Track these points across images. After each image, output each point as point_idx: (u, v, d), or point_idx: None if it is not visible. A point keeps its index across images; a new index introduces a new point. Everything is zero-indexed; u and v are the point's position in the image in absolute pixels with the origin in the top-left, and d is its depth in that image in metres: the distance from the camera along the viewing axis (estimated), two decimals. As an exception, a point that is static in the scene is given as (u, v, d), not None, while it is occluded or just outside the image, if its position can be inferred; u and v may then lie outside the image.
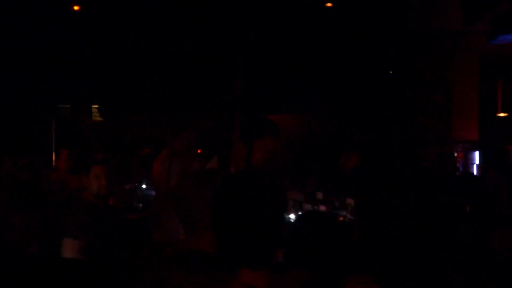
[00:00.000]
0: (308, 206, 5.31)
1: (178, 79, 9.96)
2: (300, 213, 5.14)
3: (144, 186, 6.61)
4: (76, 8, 7.17)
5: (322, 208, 5.29)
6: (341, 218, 4.83)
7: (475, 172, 7.49)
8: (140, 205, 6.15)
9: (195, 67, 9.70)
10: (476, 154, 7.71)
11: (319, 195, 5.62)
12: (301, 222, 2.18)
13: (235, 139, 6.29)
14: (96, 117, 10.51)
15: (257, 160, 3.56)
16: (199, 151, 4.89)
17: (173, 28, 8.06)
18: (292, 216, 5.06)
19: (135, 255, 3.76)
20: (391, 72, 9.34)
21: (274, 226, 1.64)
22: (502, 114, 8.93)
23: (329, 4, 7.06)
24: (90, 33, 8.16)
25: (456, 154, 7.47)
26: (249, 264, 1.63)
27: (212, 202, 1.69)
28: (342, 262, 2.01)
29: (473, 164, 7.69)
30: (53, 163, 8.43)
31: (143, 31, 8.19)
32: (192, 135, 4.66)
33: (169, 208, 3.92)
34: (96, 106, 10.47)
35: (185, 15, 7.47)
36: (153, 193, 6.43)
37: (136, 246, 3.92)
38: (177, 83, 10.01)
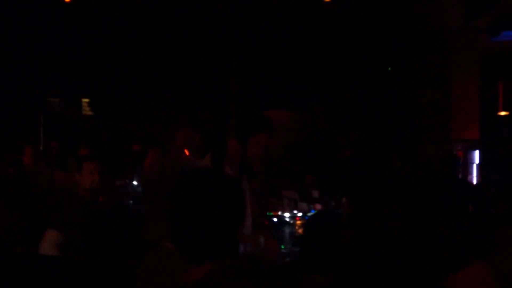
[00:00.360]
0: (303, 205, 5.32)
1: (172, 74, 9.92)
2: (296, 211, 5.14)
3: (135, 182, 6.58)
4: (67, 0, 7.12)
5: (318, 207, 5.31)
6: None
7: (474, 172, 7.52)
8: (131, 202, 6.13)
9: (189, 61, 9.68)
10: (476, 153, 7.73)
11: (315, 194, 5.63)
12: (314, 222, 2.21)
13: (229, 135, 6.29)
14: (87, 111, 10.44)
15: (252, 157, 3.56)
16: (186, 151, 4.88)
17: (168, 22, 8.03)
18: (287, 215, 5.06)
19: (125, 254, 3.75)
20: (390, 68, 9.35)
21: (224, 221, 1.72)
22: (503, 113, 8.95)
23: (327, 0, 7.06)
24: (81, 24, 8.11)
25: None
26: (202, 256, 1.72)
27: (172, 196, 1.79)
28: (354, 262, 2.05)
29: (473, 163, 7.72)
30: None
31: (137, 24, 8.16)
32: (190, 133, 4.66)
33: (161, 207, 3.91)
34: (87, 100, 10.41)
35: (180, 10, 7.46)
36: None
37: (126, 245, 3.90)
38: (171, 78, 9.97)
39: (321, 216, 2.35)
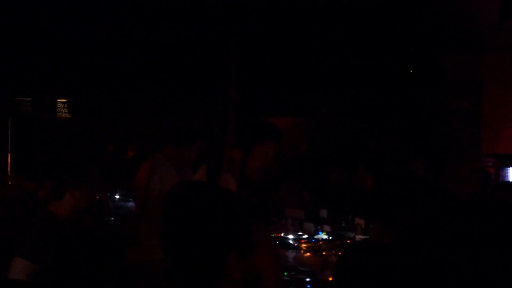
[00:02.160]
0: (309, 226, 5.32)
1: (163, 73, 9.94)
2: (301, 233, 5.14)
3: (117, 196, 6.58)
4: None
5: (327, 228, 5.31)
6: (348, 241, 4.86)
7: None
8: (112, 218, 6.12)
9: (183, 60, 9.70)
10: (510, 170, 7.76)
11: (323, 213, 5.63)
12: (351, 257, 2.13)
13: (227, 144, 6.26)
14: (62, 113, 10.45)
15: (255, 168, 3.55)
16: None
17: (160, 17, 8.06)
18: (290, 237, 5.06)
19: (104, 279, 3.74)
20: (411, 71, 9.38)
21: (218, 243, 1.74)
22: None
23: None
24: (59, 12, 8.09)
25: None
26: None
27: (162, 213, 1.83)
28: None
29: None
30: (9, 167, 8.42)
31: (123, 14, 8.15)
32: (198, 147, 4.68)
33: (153, 224, 3.88)
34: (63, 100, 10.42)
35: (174, 4, 7.49)
36: (128, 204, 6.40)
37: (105, 269, 3.90)
38: (162, 78, 9.99)
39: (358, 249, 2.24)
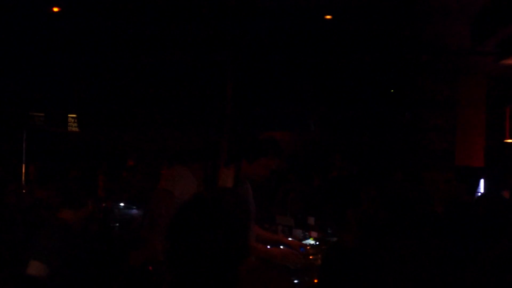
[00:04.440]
0: (298, 232, 5.32)
1: (164, 90, 9.96)
2: (291, 239, 5.15)
3: (122, 204, 6.56)
4: (55, 9, 7.16)
5: (313, 234, 5.31)
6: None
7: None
8: (117, 224, 6.11)
9: (182, 77, 9.72)
10: (481, 182, 7.76)
11: (311, 220, 5.62)
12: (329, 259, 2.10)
13: (222, 158, 6.29)
14: (73, 127, 10.43)
15: (259, 177, 3.74)
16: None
17: (159, 36, 8.07)
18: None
19: (107, 283, 3.74)
20: (392, 90, 9.43)
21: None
22: (510, 140, 8.98)
23: (328, 16, 7.13)
24: (71, 34, 8.10)
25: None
26: None
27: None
28: None
29: (478, 192, 7.74)
30: (23, 176, 8.40)
31: (125, 36, 8.16)
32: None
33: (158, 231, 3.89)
34: (73, 115, 10.40)
35: (173, 24, 7.52)
36: (132, 211, 6.39)
37: (109, 273, 3.89)
38: (163, 94, 10.01)
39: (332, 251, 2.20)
